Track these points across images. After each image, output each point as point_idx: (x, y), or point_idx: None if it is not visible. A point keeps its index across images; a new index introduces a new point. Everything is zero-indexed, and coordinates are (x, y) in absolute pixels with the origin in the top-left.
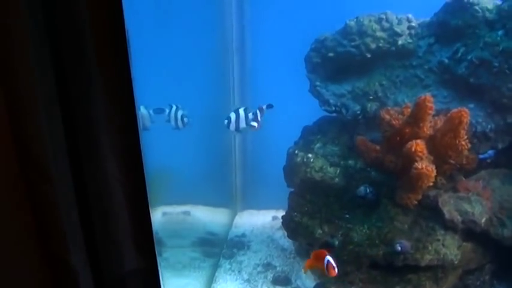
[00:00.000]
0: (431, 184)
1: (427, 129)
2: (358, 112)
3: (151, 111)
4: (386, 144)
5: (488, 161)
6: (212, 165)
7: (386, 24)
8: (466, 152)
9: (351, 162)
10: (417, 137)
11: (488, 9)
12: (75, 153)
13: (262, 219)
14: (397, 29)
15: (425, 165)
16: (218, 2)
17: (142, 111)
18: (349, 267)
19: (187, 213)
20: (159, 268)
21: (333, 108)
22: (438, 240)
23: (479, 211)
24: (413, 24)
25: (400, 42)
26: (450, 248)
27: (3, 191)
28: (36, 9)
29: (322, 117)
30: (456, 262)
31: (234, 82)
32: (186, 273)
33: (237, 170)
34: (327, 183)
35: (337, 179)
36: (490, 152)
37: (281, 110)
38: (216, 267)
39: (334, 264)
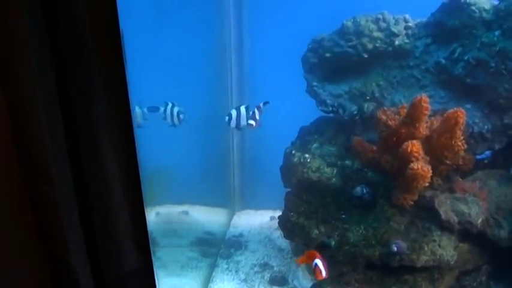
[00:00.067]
0: (427, 185)
1: (423, 129)
2: (355, 112)
3: (145, 109)
4: (382, 145)
5: (485, 161)
6: (210, 165)
7: (383, 25)
8: (462, 153)
9: (348, 162)
10: (413, 138)
11: (485, 10)
12: (75, 153)
13: (260, 219)
14: (394, 29)
15: (421, 166)
16: (216, 2)
17: (136, 109)
18: (345, 268)
19: (185, 212)
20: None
21: (330, 109)
22: (434, 241)
23: (476, 212)
24: (410, 24)
25: (397, 42)
26: (446, 249)
27: (4, 191)
28: (36, 9)
29: (320, 118)
30: (452, 263)
31: (231, 82)
32: (184, 273)
33: (235, 170)
34: (323, 184)
35: (334, 179)
36: (487, 152)
37: (280, 110)
38: (213, 267)
39: (322, 268)
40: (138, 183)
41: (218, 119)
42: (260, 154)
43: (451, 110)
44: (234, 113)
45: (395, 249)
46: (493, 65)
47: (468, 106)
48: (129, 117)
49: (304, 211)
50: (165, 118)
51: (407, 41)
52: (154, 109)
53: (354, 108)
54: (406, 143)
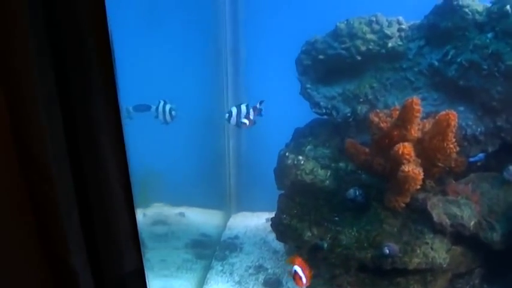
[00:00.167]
0: (418, 187)
1: (415, 131)
2: (349, 115)
3: (130, 108)
4: (375, 147)
5: (479, 164)
6: (206, 167)
7: (376, 27)
8: (454, 155)
9: (341, 164)
10: (405, 140)
11: (477, 12)
12: (75, 153)
13: (256, 221)
14: (387, 32)
15: (412, 168)
16: (211, 5)
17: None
18: (337, 270)
19: (181, 214)
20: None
21: (324, 111)
22: (427, 243)
23: (468, 215)
24: (403, 26)
25: (390, 44)
26: (439, 252)
27: (4, 191)
28: (37, 9)
29: (314, 120)
30: (445, 266)
31: (227, 85)
32: (179, 275)
33: (231, 172)
34: (317, 186)
35: (327, 182)
36: (481, 155)
37: (276, 112)
38: (208, 269)
39: (302, 274)
40: (128, 181)
41: (214, 121)
42: (257, 156)
43: (442, 113)
44: (234, 110)
45: (387, 251)
46: (485, 67)
47: (461, 108)
48: (119, 116)
49: (297, 213)
50: (157, 116)
51: (400, 43)
52: (145, 108)
53: (348, 110)
54: (397, 145)
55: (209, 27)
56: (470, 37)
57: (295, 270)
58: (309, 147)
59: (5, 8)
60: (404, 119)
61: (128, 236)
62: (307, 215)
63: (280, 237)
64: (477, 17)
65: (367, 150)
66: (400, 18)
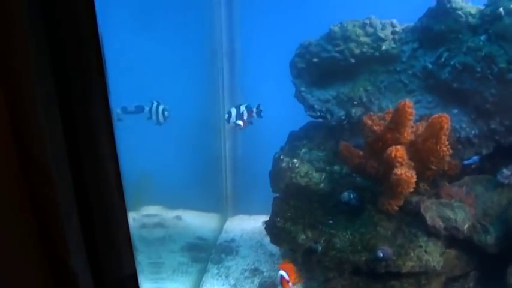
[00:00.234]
0: (412, 190)
1: (408, 134)
2: (343, 117)
3: (118, 110)
4: (368, 150)
5: (473, 166)
6: (203, 170)
7: (370, 29)
8: (448, 158)
9: (336, 167)
10: (398, 143)
11: (471, 14)
12: (75, 153)
13: (253, 225)
14: (381, 34)
15: (405, 171)
16: (207, 7)
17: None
18: (331, 273)
19: (178, 217)
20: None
21: (318, 114)
22: (421, 246)
23: (462, 218)
24: (397, 29)
25: (384, 47)
26: (433, 255)
27: (3, 191)
28: (36, 10)
29: (309, 123)
30: (439, 269)
31: (223, 87)
32: (174, 278)
33: (227, 175)
34: (311, 189)
35: (322, 185)
36: (475, 157)
37: (273, 114)
38: (203, 272)
39: (287, 278)
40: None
41: (210, 124)
42: (253, 159)
43: (435, 115)
44: (233, 111)
45: (381, 255)
46: (479, 69)
47: (455, 111)
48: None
49: (291, 216)
50: (150, 117)
51: (394, 45)
52: (139, 109)
53: (342, 113)
54: (390, 148)
55: (204, 28)
56: (464, 40)
57: (281, 275)
58: (303, 150)
59: (4, 8)
60: (397, 122)
61: (127, 237)
62: (302, 218)
63: (275, 240)
64: (470, 19)
65: (361, 153)
66: (394, 21)
